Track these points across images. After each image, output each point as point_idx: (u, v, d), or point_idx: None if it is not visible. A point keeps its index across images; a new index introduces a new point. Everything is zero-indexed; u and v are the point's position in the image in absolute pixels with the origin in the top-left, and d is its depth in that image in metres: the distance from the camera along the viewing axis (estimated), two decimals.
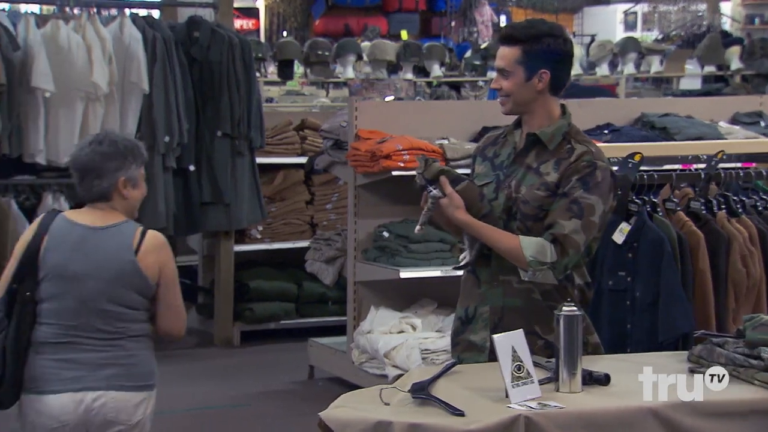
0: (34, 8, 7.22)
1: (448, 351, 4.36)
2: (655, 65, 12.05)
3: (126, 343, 3.52)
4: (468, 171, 3.65)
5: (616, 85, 11.45)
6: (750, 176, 4.75)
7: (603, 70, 11.89)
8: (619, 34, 16.78)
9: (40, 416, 3.49)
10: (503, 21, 16.68)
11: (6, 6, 7.07)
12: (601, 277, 4.38)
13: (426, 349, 5.64)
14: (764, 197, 4.77)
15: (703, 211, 4.60)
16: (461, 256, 3.48)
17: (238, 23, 15.06)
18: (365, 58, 11.50)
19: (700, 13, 16.02)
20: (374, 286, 6.11)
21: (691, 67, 12.11)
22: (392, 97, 8.16)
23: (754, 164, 5.35)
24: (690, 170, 4.86)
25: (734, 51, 12.07)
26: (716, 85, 11.68)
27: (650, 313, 4.29)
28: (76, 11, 6.82)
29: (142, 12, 7.40)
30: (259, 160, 7.35)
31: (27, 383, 3.50)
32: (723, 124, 6.42)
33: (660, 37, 14.99)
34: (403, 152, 5.72)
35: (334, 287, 7.04)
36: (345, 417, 2.93)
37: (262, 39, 15.03)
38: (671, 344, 4.22)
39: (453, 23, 15.84)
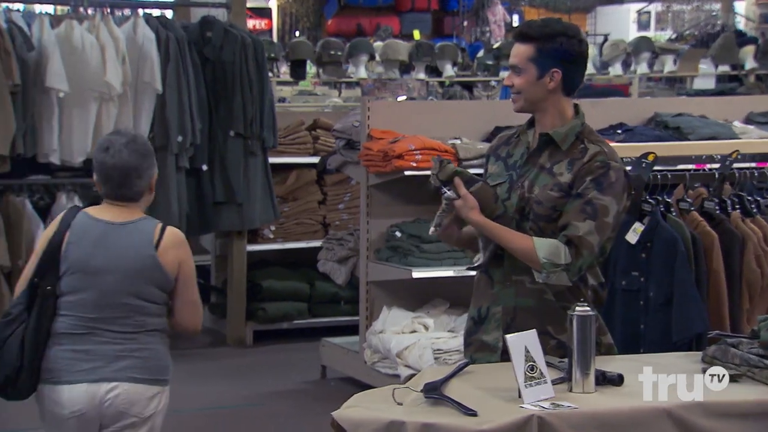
0: (49, 9, 7.23)
1: (461, 351, 4.37)
2: (668, 65, 11.99)
3: (143, 337, 3.56)
4: (481, 171, 3.65)
5: (629, 85, 11.39)
6: (765, 176, 4.75)
7: (616, 69, 11.84)
8: (633, 33, 16.70)
9: (56, 406, 3.53)
10: (516, 20, 16.64)
11: (21, 6, 7.09)
12: (614, 277, 4.37)
13: (438, 349, 5.64)
14: None
15: (717, 211, 4.59)
16: (475, 257, 3.48)
17: (251, 23, 15.05)
18: (377, 57, 11.48)
19: (714, 13, 15.94)
20: (386, 286, 6.11)
21: (705, 66, 12.04)
22: (405, 97, 8.13)
23: None
24: (704, 170, 4.85)
25: (748, 50, 12.01)
26: (730, 84, 11.61)
27: (664, 313, 4.29)
28: (90, 11, 6.85)
29: (156, 12, 7.41)
30: (272, 159, 7.36)
31: (44, 374, 3.54)
32: (737, 124, 6.40)
33: (673, 36, 14.91)
34: (415, 152, 5.72)
35: (346, 287, 7.04)
36: (358, 417, 2.93)
37: (275, 39, 15.01)
38: (685, 345, 4.21)
39: (465, 23, 15.80)
